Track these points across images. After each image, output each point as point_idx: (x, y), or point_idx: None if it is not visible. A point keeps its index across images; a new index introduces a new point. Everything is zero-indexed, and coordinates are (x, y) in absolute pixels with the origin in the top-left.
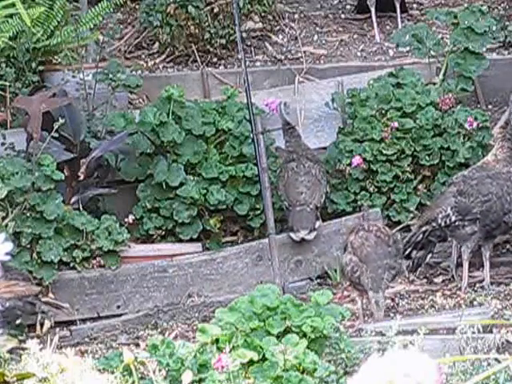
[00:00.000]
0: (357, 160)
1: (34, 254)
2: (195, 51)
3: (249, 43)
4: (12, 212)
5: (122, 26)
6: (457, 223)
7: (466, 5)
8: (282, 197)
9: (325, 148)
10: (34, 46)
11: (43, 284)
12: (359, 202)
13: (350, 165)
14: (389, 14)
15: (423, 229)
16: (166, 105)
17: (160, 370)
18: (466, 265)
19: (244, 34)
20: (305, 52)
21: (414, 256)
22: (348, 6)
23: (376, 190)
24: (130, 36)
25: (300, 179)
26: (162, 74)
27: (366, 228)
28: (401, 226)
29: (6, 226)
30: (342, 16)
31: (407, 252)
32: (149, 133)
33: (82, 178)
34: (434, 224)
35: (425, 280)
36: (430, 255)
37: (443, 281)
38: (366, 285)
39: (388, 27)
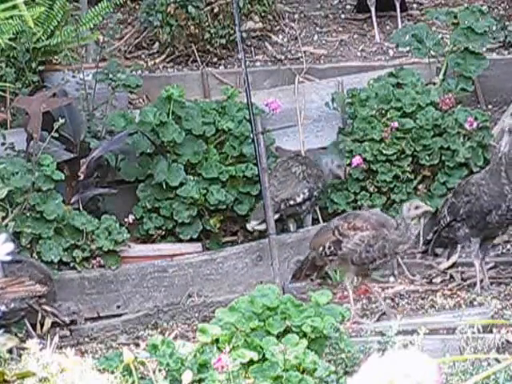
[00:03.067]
0: (357, 160)
1: (34, 254)
2: (195, 51)
3: (249, 43)
4: (12, 212)
5: (121, 26)
6: (452, 223)
7: (466, 5)
8: None
9: (325, 148)
10: (34, 46)
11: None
12: (359, 202)
13: (349, 165)
14: (389, 14)
15: (434, 229)
16: (166, 105)
17: (160, 370)
18: (476, 263)
19: (244, 34)
20: (305, 52)
21: (442, 253)
22: (348, 6)
23: (376, 190)
24: (130, 36)
25: (274, 174)
26: (162, 74)
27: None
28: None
29: (6, 225)
30: (342, 16)
31: (429, 250)
32: (149, 133)
33: (81, 177)
34: (440, 224)
35: (425, 280)
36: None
37: (443, 281)
38: (389, 247)
39: (388, 27)
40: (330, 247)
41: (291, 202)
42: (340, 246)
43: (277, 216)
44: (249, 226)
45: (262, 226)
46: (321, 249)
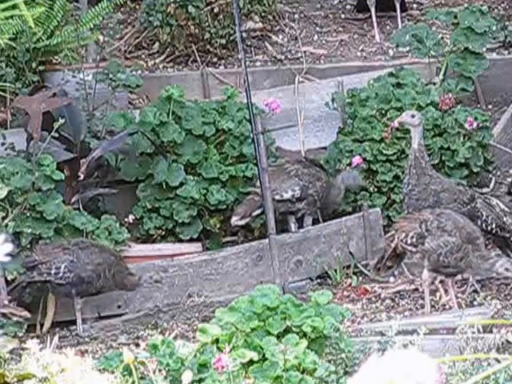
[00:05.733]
0: (357, 160)
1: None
2: (195, 51)
3: (249, 43)
4: (12, 212)
5: (122, 26)
6: None
7: (466, 5)
8: None
9: (325, 148)
10: (34, 46)
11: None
12: (359, 202)
13: (349, 165)
14: (389, 14)
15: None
16: (166, 105)
17: (160, 370)
18: None
19: (244, 34)
20: (305, 52)
21: None
22: (348, 6)
23: (376, 189)
24: (130, 36)
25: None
26: (162, 74)
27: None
28: None
29: (6, 225)
30: (342, 16)
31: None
32: (149, 133)
33: (82, 178)
34: None
35: None
36: None
37: (442, 281)
38: (469, 265)
39: (388, 27)
40: (412, 237)
41: (277, 197)
42: (424, 240)
43: (259, 211)
44: (231, 221)
45: (243, 222)
46: (403, 235)
